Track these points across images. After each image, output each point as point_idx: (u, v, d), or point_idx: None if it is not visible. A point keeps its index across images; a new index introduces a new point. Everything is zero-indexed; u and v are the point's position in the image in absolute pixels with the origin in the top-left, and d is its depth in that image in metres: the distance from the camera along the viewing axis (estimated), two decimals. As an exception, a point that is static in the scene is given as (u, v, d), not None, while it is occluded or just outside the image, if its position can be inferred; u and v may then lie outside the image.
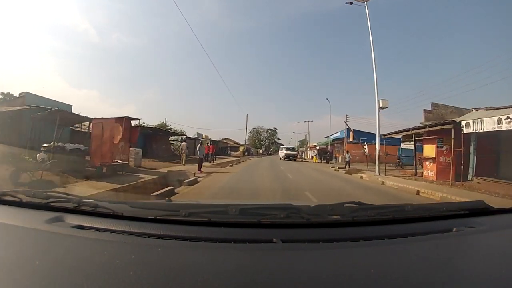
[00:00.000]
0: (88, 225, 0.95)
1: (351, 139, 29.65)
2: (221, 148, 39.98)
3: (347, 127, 30.01)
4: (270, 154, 50.29)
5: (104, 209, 1.05)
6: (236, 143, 55.91)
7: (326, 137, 42.64)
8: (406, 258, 0.85)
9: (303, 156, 47.87)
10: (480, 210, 1.26)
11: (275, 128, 76.48)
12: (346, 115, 29.97)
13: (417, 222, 1.13)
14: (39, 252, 0.78)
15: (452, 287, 0.69)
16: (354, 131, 29.94)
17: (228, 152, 44.68)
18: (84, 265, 0.71)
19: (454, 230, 1.05)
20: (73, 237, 0.88)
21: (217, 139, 47.03)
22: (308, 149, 51.20)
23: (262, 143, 74.04)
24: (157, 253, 0.79)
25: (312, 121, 57.31)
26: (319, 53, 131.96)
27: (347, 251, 0.86)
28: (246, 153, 46.68)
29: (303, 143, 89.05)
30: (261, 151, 58.54)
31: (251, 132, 70.43)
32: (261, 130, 74.51)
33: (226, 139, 55.47)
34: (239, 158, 31.17)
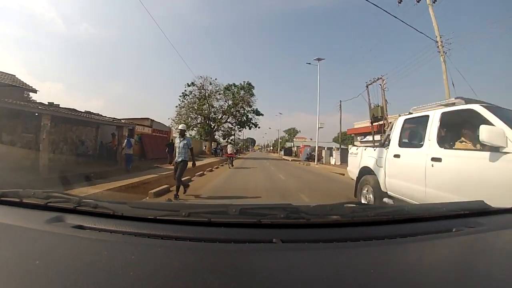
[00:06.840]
0: (88, 225, 0.95)
1: None
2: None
3: None
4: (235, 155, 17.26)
5: (104, 209, 1.05)
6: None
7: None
8: (406, 258, 0.85)
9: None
10: (480, 210, 1.26)
11: (249, 84, 34.32)
12: None
13: (417, 222, 1.13)
14: (39, 252, 0.78)
15: (452, 287, 0.69)
16: None
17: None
18: (84, 265, 0.71)
19: (454, 230, 1.05)
20: (73, 237, 0.88)
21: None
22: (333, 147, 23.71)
23: (216, 123, 32.87)
24: (157, 253, 0.79)
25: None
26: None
27: (347, 251, 0.86)
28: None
29: (290, 133, 71.41)
30: (229, 150, 16.63)
31: (184, 95, 32.11)
32: (214, 91, 32.60)
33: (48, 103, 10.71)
34: None
